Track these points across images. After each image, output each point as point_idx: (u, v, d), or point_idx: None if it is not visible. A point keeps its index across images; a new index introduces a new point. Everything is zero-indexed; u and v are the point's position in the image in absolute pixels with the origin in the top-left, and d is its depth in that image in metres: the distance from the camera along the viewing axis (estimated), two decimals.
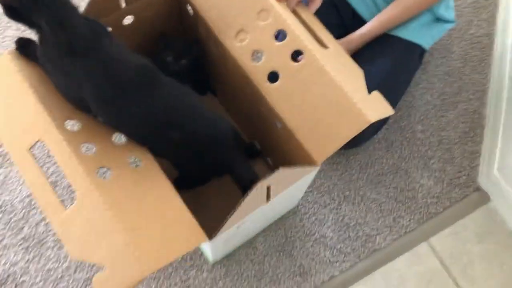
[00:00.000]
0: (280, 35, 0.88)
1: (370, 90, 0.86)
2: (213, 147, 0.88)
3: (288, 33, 0.87)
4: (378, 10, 1.15)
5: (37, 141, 0.79)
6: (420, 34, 1.13)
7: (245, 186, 0.88)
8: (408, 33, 1.13)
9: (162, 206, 0.79)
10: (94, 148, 0.81)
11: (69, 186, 1.14)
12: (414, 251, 1.15)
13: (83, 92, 0.77)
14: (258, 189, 0.74)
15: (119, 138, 0.85)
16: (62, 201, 0.75)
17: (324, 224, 1.15)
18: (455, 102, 1.30)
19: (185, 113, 0.85)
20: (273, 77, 0.89)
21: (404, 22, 1.13)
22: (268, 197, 0.82)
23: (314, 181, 1.19)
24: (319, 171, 1.20)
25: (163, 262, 0.74)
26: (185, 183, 0.92)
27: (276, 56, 0.88)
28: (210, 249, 0.95)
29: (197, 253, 1.10)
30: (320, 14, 1.05)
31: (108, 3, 0.92)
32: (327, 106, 0.84)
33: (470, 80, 1.33)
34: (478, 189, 1.22)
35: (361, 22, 1.16)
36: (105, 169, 0.79)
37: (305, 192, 1.17)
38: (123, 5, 0.95)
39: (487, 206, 1.21)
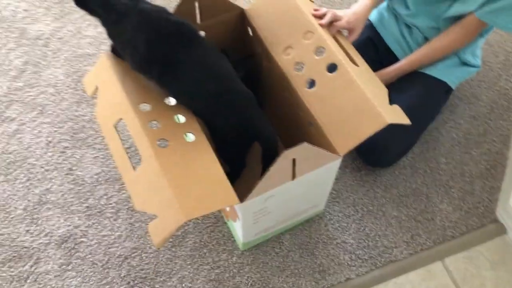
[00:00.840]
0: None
1: None
2: (244, 103, 1.02)
3: (326, 50, 1.07)
4: (410, 50, 1.33)
5: (120, 119, 1.02)
6: (446, 73, 1.30)
7: (268, 148, 1.04)
8: (435, 71, 1.30)
9: (205, 172, 0.96)
10: (159, 125, 1.02)
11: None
12: (429, 268, 1.24)
13: (140, 51, 0.96)
14: (284, 159, 0.91)
15: (179, 119, 1.05)
16: (133, 164, 0.96)
17: (346, 232, 1.27)
18: (479, 142, 1.42)
19: (220, 68, 1.01)
20: (310, 84, 1.08)
21: (432, 63, 1.30)
22: (293, 173, 0.98)
23: (341, 193, 1.33)
24: (348, 185, 1.34)
25: (198, 213, 0.90)
26: (230, 174, 1.09)
27: (314, 67, 1.07)
28: (241, 226, 1.10)
29: (230, 239, 1.25)
30: (359, 48, 1.25)
31: (187, 17, 1.16)
32: (352, 108, 1.00)
33: (495, 125, 1.45)
34: (495, 221, 1.30)
35: (395, 59, 1.35)
36: (164, 141, 0.99)
37: (332, 202, 1.31)
38: (199, 21, 1.19)
39: (503, 238, 1.28)
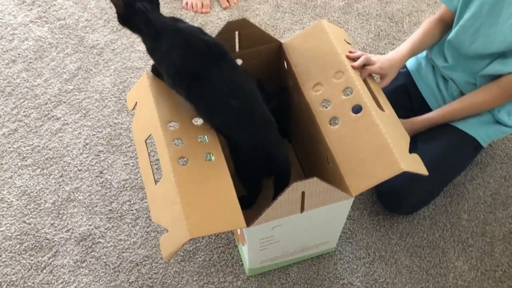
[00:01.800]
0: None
1: None
2: (264, 124, 1.08)
3: (354, 91, 1.09)
4: (444, 102, 1.33)
5: (150, 135, 1.09)
6: (477, 129, 1.28)
7: (281, 172, 1.11)
8: (466, 126, 1.28)
9: (218, 193, 1.00)
10: (182, 143, 1.07)
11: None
12: None
13: (175, 65, 1.04)
14: (294, 190, 0.93)
15: (202, 138, 1.10)
16: (156, 178, 1.02)
17: (355, 274, 1.27)
18: (506, 204, 1.38)
19: (246, 88, 1.07)
20: (334, 122, 1.10)
21: (465, 118, 1.29)
22: (302, 206, 0.99)
23: (355, 234, 1.32)
24: (363, 228, 1.33)
25: (203, 233, 0.94)
26: (247, 198, 1.14)
27: (340, 106, 1.10)
28: (248, 251, 1.12)
29: (238, 263, 1.28)
30: (392, 94, 1.27)
31: (227, 45, 1.22)
32: (371, 151, 1.02)
33: None
34: None
35: (428, 109, 1.35)
36: (185, 159, 1.04)
37: (345, 241, 1.31)
38: (237, 49, 1.25)
39: None
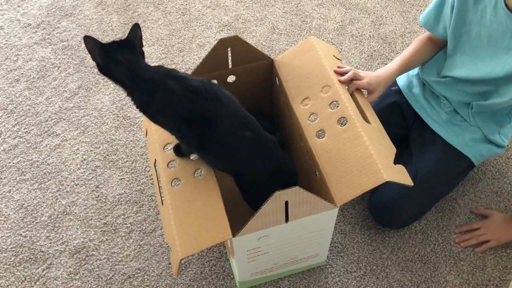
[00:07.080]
0: None
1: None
2: (273, 146, 1.10)
3: (340, 104, 1.12)
4: (439, 117, 1.33)
5: (155, 160, 1.14)
6: (470, 148, 1.29)
7: (293, 181, 1.12)
8: (459, 144, 1.29)
9: (206, 207, 1.04)
10: (176, 164, 1.11)
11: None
12: None
13: (178, 110, 1.01)
14: (276, 199, 0.95)
15: (194, 156, 1.13)
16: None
17: (346, 287, 1.27)
18: None
19: (249, 116, 1.06)
20: (321, 134, 1.13)
21: (457, 132, 1.30)
22: (287, 216, 1.01)
23: (347, 248, 1.33)
24: (355, 242, 1.34)
25: (193, 251, 0.99)
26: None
27: (326, 119, 1.12)
28: (236, 262, 1.13)
29: (229, 276, 1.28)
30: (384, 111, 1.30)
31: (219, 62, 1.26)
32: (355, 162, 1.04)
33: None
34: None
35: (422, 123, 1.35)
36: (177, 180, 1.08)
37: (336, 255, 1.31)
38: (230, 66, 1.28)
39: None
